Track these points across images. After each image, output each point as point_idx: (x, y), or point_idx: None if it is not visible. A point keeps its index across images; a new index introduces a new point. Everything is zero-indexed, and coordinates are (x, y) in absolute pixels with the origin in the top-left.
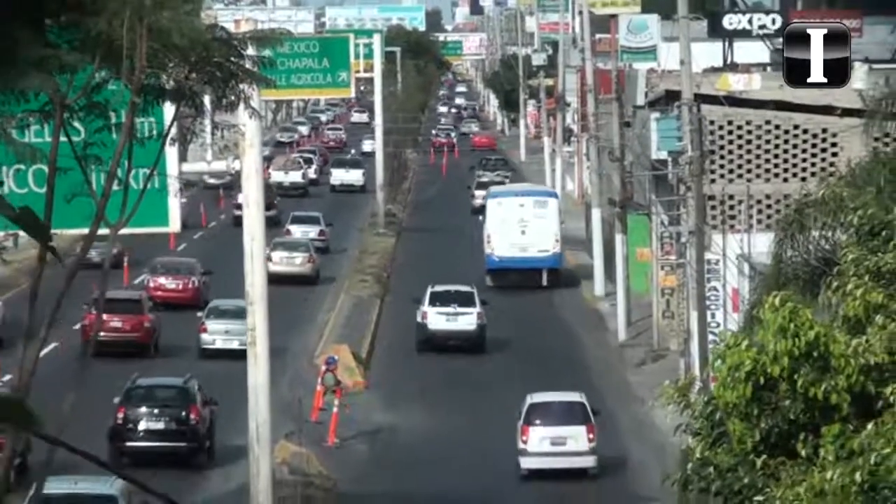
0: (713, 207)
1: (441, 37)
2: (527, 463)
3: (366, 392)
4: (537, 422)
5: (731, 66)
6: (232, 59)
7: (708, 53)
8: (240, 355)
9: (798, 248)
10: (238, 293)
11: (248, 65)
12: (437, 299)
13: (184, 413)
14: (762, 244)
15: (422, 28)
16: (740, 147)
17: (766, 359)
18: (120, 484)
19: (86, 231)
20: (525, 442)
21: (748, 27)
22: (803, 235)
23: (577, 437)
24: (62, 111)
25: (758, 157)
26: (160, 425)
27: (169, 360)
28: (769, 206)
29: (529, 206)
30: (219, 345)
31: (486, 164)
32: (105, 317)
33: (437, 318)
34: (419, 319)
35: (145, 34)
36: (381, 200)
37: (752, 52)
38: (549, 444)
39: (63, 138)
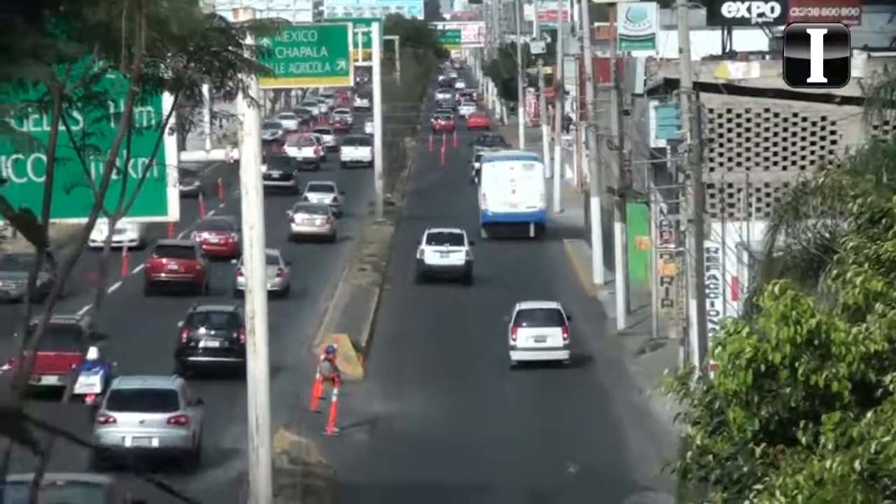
0: (712, 195)
1: (439, 25)
2: (516, 356)
3: (365, 381)
4: (524, 324)
5: (729, 55)
6: (230, 48)
7: (707, 41)
8: (270, 295)
9: (793, 235)
10: (266, 245)
11: (246, 54)
12: (433, 239)
13: (234, 334)
14: (761, 232)
15: (420, 17)
16: (739, 135)
17: (767, 346)
18: (180, 381)
19: (85, 220)
20: (514, 340)
21: (747, 15)
22: (799, 223)
23: (555, 336)
24: (61, 101)
25: (757, 144)
26: (216, 344)
27: (214, 298)
28: (768, 195)
29: (518, 169)
30: None
31: (483, 140)
32: (164, 260)
33: (432, 255)
34: (418, 256)
35: (144, 23)
36: (380, 189)
37: (751, 40)
38: (533, 341)
39: (62, 128)
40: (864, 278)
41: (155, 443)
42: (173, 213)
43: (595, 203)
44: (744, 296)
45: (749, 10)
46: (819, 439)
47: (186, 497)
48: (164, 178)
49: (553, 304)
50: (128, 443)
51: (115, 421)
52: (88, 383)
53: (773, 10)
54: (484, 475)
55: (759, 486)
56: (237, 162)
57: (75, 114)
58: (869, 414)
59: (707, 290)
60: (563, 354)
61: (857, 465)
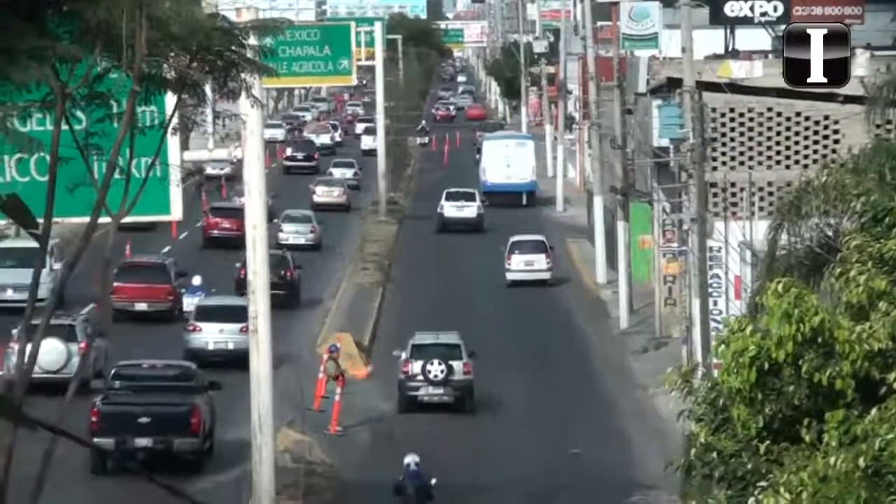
0: (715, 195)
1: (442, 25)
2: (510, 276)
3: (367, 380)
4: (516, 251)
5: (732, 54)
6: (233, 48)
7: (709, 40)
8: (306, 248)
9: (796, 234)
10: (298, 207)
11: (249, 54)
12: (451, 197)
13: (283, 272)
14: (764, 231)
15: (423, 16)
16: (742, 134)
17: (770, 344)
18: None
19: (88, 220)
20: (509, 264)
21: (750, 14)
22: (802, 221)
23: (540, 261)
24: (63, 101)
25: (760, 144)
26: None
27: None
28: (771, 194)
29: (513, 147)
30: (291, 240)
31: (485, 128)
32: (218, 220)
33: (450, 209)
34: (438, 210)
35: (144, 23)
36: (383, 188)
37: (754, 39)
38: (523, 265)
39: (65, 127)
40: (867, 277)
41: (230, 346)
42: (176, 212)
43: (598, 202)
44: (746, 295)
45: (752, 9)
46: (823, 437)
47: (191, 497)
48: (167, 178)
49: (539, 237)
50: (210, 346)
51: (200, 330)
52: (193, 303)
53: (775, 9)
54: (487, 474)
55: (763, 484)
56: (240, 161)
57: (78, 113)
58: (873, 411)
59: (710, 290)
60: (546, 275)
61: (861, 462)
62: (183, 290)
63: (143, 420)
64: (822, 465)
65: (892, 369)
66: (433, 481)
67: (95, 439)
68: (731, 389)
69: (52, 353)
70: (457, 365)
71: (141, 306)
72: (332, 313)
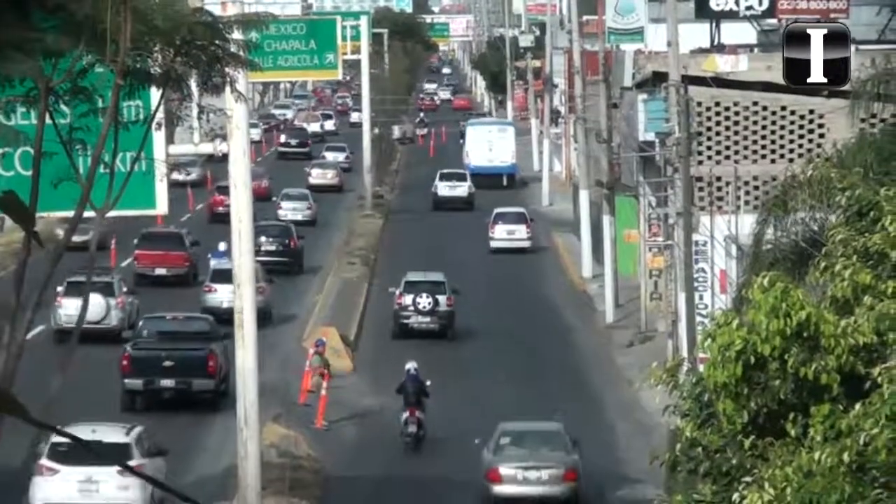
0: (701, 189)
1: (428, 18)
2: (493, 244)
3: (353, 375)
4: (499, 221)
5: (718, 48)
6: (217, 42)
7: (695, 34)
8: (303, 223)
9: (782, 229)
10: (294, 186)
11: (233, 48)
12: (444, 177)
13: (287, 241)
14: (749, 225)
15: (409, 10)
16: (727, 128)
17: (756, 338)
18: (258, 264)
19: (72, 213)
20: (493, 233)
21: (735, 8)
22: (787, 216)
23: (521, 230)
24: (47, 95)
25: (745, 138)
26: (273, 248)
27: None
28: (756, 188)
29: (494, 132)
30: (290, 216)
31: (469, 117)
32: (223, 197)
33: (443, 188)
34: (432, 190)
35: (129, 17)
36: (369, 183)
37: (739, 33)
38: (505, 234)
39: (49, 122)
40: (852, 271)
41: None
42: (161, 206)
43: (584, 196)
44: (732, 289)
45: (737, 3)
46: (808, 431)
47: (184, 495)
48: (151, 172)
49: (520, 209)
50: (224, 305)
51: (216, 290)
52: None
53: (760, 2)
54: (473, 471)
55: (748, 479)
56: (226, 156)
57: (63, 107)
58: (857, 406)
59: (695, 284)
60: (526, 244)
61: (845, 456)
62: (209, 255)
63: (167, 364)
64: (806, 460)
65: (876, 364)
66: (428, 383)
67: (126, 380)
68: (716, 384)
69: (93, 307)
70: (441, 298)
71: (160, 271)
72: (318, 307)
